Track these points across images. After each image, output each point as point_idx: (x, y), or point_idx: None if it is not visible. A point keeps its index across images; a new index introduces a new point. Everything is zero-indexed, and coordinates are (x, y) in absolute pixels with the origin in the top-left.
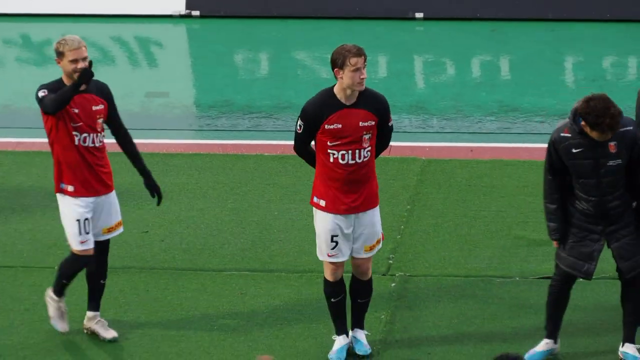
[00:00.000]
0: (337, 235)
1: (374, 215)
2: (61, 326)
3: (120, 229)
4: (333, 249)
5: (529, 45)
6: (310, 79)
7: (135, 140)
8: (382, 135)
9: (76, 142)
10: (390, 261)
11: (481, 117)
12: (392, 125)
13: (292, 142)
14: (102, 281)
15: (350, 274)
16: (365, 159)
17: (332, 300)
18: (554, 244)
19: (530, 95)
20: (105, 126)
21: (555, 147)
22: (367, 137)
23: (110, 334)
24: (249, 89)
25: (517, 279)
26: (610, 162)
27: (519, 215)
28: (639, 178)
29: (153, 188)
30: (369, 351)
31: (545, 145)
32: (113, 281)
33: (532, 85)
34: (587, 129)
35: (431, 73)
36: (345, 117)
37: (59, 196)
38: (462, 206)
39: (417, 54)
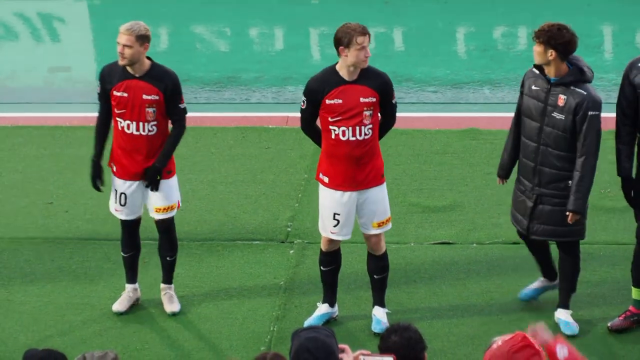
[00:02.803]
0: (339, 214)
1: (380, 192)
2: (115, 307)
3: (172, 212)
4: (335, 226)
5: (422, 17)
6: (209, 52)
7: (39, 114)
8: (386, 114)
9: (119, 127)
10: (289, 229)
11: None
12: (395, 102)
13: (194, 114)
14: (167, 258)
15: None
16: (367, 137)
17: (322, 268)
18: (497, 180)
19: (424, 66)
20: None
21: (524, 79)
22: (367, 113)
23: (172, 307)
24: None
25: (412, 244)
26: (555, 114)
27: (413, 182)
28: (579, 147)
29: (148, 177)
30: (384, 328)
31: (438, 115)
32: (19, 251)
33: (425, 55)
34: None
35: (327, 45)
36: (346, 92)
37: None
38: None
39: (313, 27)
